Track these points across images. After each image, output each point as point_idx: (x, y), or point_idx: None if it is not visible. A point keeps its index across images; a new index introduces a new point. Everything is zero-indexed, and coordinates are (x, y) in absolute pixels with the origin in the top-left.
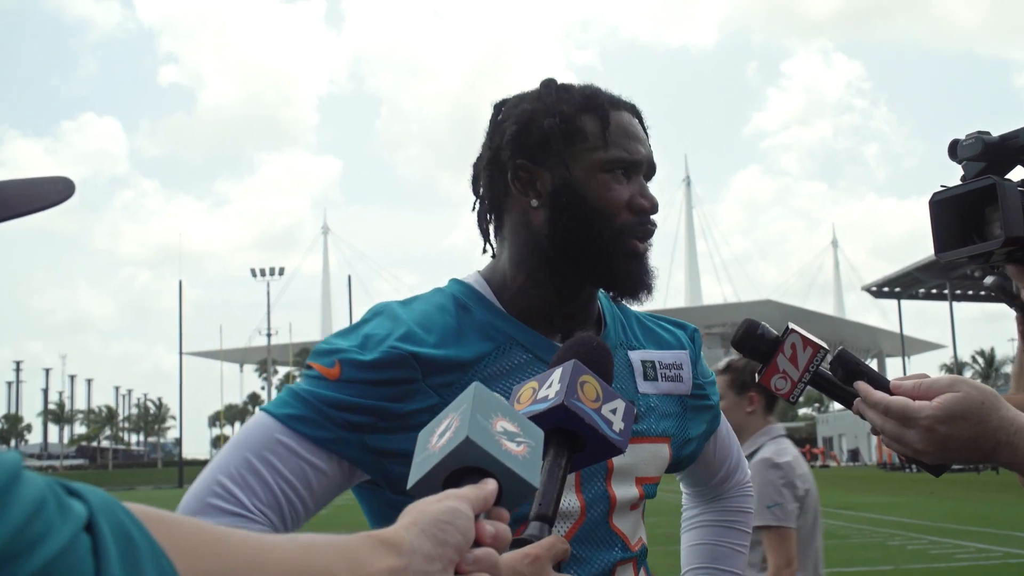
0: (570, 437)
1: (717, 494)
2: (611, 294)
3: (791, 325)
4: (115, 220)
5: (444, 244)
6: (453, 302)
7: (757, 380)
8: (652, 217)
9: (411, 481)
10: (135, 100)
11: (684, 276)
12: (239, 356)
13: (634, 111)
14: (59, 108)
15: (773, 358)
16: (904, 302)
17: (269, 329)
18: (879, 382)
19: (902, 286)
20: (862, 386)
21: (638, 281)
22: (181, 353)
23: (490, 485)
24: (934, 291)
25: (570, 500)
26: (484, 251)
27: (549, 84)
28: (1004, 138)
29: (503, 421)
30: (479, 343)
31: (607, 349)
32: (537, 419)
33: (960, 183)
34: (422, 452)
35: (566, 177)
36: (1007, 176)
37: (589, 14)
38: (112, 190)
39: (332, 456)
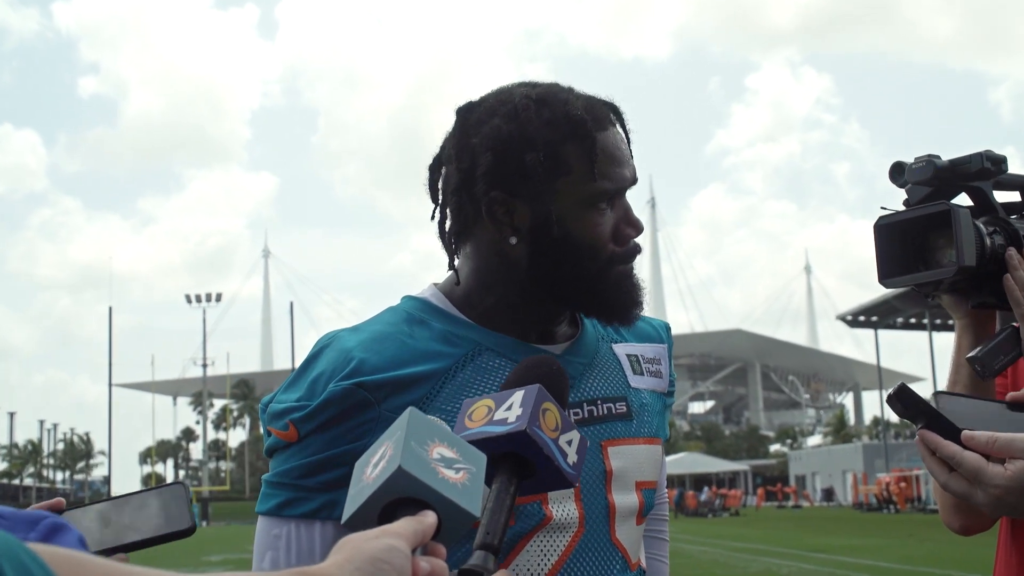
0: (521, 463)
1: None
2: (602, 321)
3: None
4: (32, 240)
5: (388, 267)
6: (406, 319)
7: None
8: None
9: (345, 515)
10: (54, 112)
11: (650, 303)
12: (172, 388)
13: (617, 116)
14: None
15: None
16: (881, 331)
17: (205, 359)
18: (943, 426)
19: (879, 315)
20: (933, 438)
21: (631, 302)
22: (111, 385)
23: (429, 518)
24: (912, 320)
25: (568, 509)
26: (451, 268)
27: (527, 104)
28: (954, 163)
29: (440, 447)
30: (440, 355)
31: (566, 377)
32: (492, 441)
33: (906, 208)
34: (357, 484)
35: (548, 213)
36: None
37: (534, 23)
38: (29, 208)
39: (327, 523)
